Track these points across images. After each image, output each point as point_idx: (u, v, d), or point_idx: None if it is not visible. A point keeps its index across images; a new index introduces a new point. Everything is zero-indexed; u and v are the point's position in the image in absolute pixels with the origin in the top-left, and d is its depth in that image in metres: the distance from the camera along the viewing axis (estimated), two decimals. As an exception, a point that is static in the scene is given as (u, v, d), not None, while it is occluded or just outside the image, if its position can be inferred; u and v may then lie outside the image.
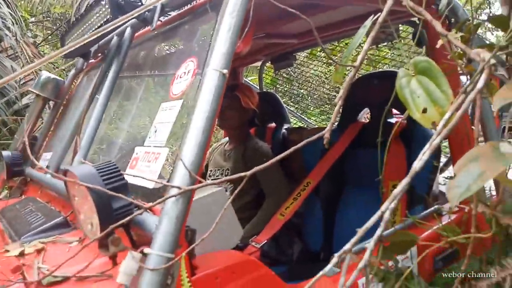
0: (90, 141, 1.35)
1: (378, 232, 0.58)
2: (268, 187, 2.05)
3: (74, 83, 2.18)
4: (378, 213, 0.59)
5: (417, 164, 0.63)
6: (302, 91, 6.34)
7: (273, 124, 2.62)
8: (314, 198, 2.01)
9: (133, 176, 0.87)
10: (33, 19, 7.14)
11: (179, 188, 0.70)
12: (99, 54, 1.95)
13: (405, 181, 0.61)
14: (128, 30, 1.50)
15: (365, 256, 0.57)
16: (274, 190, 2.04)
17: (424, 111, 0.69)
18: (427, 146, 0.65)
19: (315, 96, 6.51)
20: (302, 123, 3.93)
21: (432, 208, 1.33)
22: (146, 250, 0.67)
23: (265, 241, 1.74)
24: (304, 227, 2.12)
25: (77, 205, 0.76)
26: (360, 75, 2.07)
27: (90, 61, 2.09)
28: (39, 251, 0.96)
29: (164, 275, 0.66)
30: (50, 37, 7.58)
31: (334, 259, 0.56)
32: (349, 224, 1.92)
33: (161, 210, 0.76)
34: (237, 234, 0.99)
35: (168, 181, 0.82)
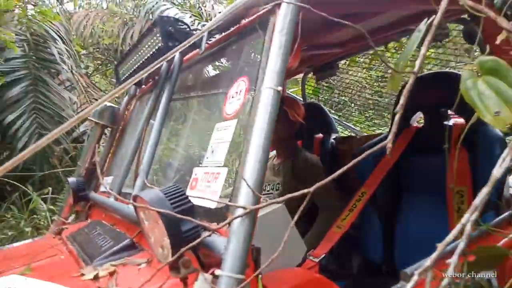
0: (149, 164, 1.41)
1: (461, 246, 0.54)
2: (321, 200, 2.01)
3: (127, 109, 2.30)
4: (458, 226, 0.56)
5: (497, 171, 0.59)
6: (343, 98, 6.24)
7: (320, 135, 2.59)
8: (370, 209, 1.94)
9: (197, 197, 0.89)
10: (84, 51, 7.66)
11: (244, 208, 0.71)
12: (150, 80, 2.06)
13: (485, 190, 0.58)
14: (177, 55, 1.57)
15: (448, 272, 0.53)
16: (327, 202, 2.00)
17: (497, 113, 0.65)
18: (506, 151, 0.60)
19: (357, 103, 6.38)
20: (349, 131, 3.85)
21: (507, 214, 1.23)
22: (217, 272, 0.68)
23: (324, 254, 1.71)
24: (363, 239, 2.05)
25: (147, 229, 0.79)
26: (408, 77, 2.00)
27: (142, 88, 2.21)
28: (111, 274, 1.01)
29: (236, 296, 0.66)
30: (100, 66, 8.11)
31: (415, 277, 0.53)
32: (411, 234, 1.84)
33: (227, 230, 0.77)
34: (300, 251, 0.98)
35: (230, 201, 0.83)
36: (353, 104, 6.34)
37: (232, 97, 1.09)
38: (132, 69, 1.83)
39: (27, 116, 4.05)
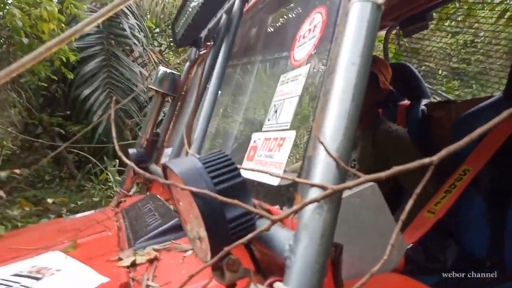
0: (203, 133, 1.20)
1: None
2: (408, 179, 1.66)
3: (189, 76, 2.12)
4: None
5: None
6: (429, 64, 5.55)
7: (405, 102, 2.18)
8: (472, 191, 1.55)
9: (253, 170, 0.64)
10: (157, 29, 7.80)
11: (323, 188, 0.44)
12: (211, 42, 1.84)
13: None
14: (237, 3, 1.31)
15: None
16: (416, 182, 1.64)
17: None
18: None
19: (441, 73, 5.68)
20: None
21: None
22: (278, 285, 0.43)
23: (411, 244, 1.40)
24: (462, 227, 1.67)
25: (182, 212, 0.57)
26: None
27: (202, 52, 2.01)
28: (151, 261, 0.82)
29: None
30: (172, 44, 8.23)
31: None
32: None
33: (296, 221, 0.51)
34: (400, 249, 0.69)
35: (299, 176, 0.57)
36: (440, 71, 5.62)
37: (303, 37, 0.81)
38: (186, 27, 1.62)
39: (101, 90, 4.16)
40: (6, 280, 0.88)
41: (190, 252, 0.85)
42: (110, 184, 3.29)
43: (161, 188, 1.63)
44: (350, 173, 0.47)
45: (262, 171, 0.56)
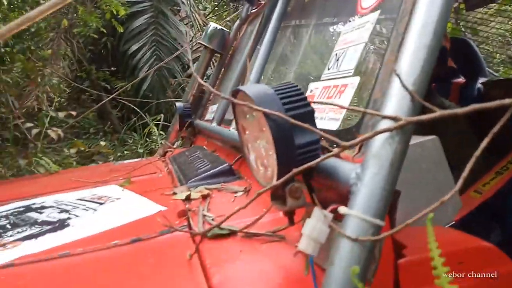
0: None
1: None
2: (457, 158, 1.60)
3: (238, 33, 2.12)
4: None
5: None
6: (487, 47, 5.19)
7: (460, 79, 2.07)
8: (525, 173, 1.49)
9: (320, 103, 0.65)
10: (203, -9, 7.72)
11: (394, 119, 0.44)
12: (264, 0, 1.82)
13: None
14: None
15: None
16: (465, 161, 1.58)
17: None
18: None
19: (496, 58, 5.30)
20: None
21: None
22: (343, 209, 0.44)
23: (453, 222, 1.37)
24: (508, 211, 1.61)
25: (247, 141, 0.59)
26: None
27: (253, 10, 1.99)
28: (204, 197, 0.86)
29: (370, 249, 0.42)
30: (216, 8, 8.17)
31: None
32: None
33: (358, 157, 0.52)
34: (455, 205, 0.69)
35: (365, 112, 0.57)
36: (498, 55, 5.25)
37: (373, -15, 0.79)
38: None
39: (148, 47, 4.24)
40: (72, 203, 0.96)
41: (240, 193, 0.88)
42: (154, 138, 3.42)
43: (206, 141, 1.68)
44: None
45: (330, 103, 0.57)
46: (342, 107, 0.50)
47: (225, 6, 8.09)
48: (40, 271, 0.62)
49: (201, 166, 1.14)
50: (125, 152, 3.39)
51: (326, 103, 0.64)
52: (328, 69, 0.82)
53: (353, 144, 0.44)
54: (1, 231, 0.80)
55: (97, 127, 4.85)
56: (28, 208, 0.97)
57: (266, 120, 0.48)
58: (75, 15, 3.72)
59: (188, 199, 0.86)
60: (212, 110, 1.93)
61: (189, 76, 4.67)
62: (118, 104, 4.81)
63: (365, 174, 0.45)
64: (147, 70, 4.06)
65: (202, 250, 0.61)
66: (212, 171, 1.03)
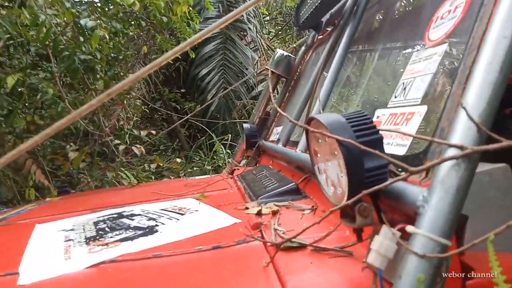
0: (319, 113, 1.28)
1: None
2: None
3: (304, 59, 2.21)
4: None
5: None
6: None
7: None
8: None
9: (389, 131, 0.70)
10: (267, 18, 8.04)
11: (461, 148, 0.48)
12: (330, 28, 1.89)
13: None
14: (366, -13, 1.34)
15: None
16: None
17: None
18: None
19: None
20: None
21: None
22: (410, 228, 0.49)
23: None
24: None
25: (318, 162, 0.66)
26: None
27: (319, 37, 2.08)
28: (274, 213, 0.94)
29: (437, 266, 0.46)
30: (280, 32, 8.42)
31: None
32: None
33: (426, 181, 0.56)
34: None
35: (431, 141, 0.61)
36: None
37: (441, 18, 0.83)
38: (311, 10, 1.70)
39: (216, 71, 4.51)
40: (157, 212, 1.09)
41: (308, 211, 0.95)
42: (220, 156, 3.60)
43: (271, 161, 1.77)
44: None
45: (397, 132, 0.62)
46: (411, 135, 0.54)
47: (288, 30, 8.32)
48: (138, 268, 0.73)
49: (269, 184, 1.22)
50: (195, 168, 3.61)
51: (394, 131, 0.69)
52: (395, 97, 0.87)
53: (421, 170, 0.49)
54: (102, 232, 0.94)
55: (167, 145, 5.21)
56: (120, 215, 1.11)
57: (339, 146, 0.54)
58: (152, 41, 4.11)
59: (259, 213, 0.94)
60: (277, 132, 2.02)
61: (254, 98, 4.86)
62: (186, 124, 5.14)
63: (432, 197, 0.49)
64: (215, 92, 4.32)
65: (276, 259, 0.68)
66: (280, 189, 1.11)
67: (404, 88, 0.84)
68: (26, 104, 2.40)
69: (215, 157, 3.74)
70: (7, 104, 1.98)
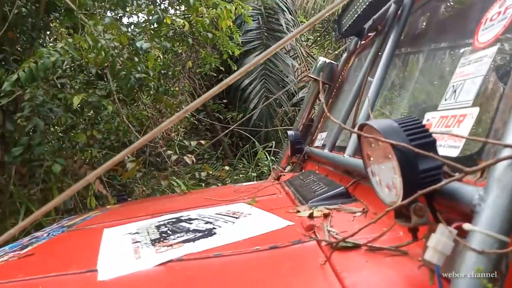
0: (367, 118, 1.29)
1: None
2: None
3: (346, 66, 2.23)
4: None
5: None
6: None
7: None
8: None
9: (441, 133, 0.72)
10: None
11: (516, 148, 0.50)
12: (372, 33, 1.90)
13: None
14: (409, -8, 1.35)
15: None
16: None
17: None
18: None
19: None
20: None
21: None
22: (467, 226, 0.51)
23: None
24: None
25: (372, 166, 0.69)
26: None
27: (362, 42, 2.08)
28: (325, 216, 0.97)
29: (496, 262, 0.48)
30: (318, 39, 8.42)
31: None
32: None
33: (481, 181, 0.58)
34: None
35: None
36: None
37: (490, 20, 0.83)
38: (354, 18, 1.72)
39: (258, 81, 4.61)
40: (212, 216, 1.15)
41: (359, 213, 0.97)
42: (264, 163, 3.68)
43: (317, 166, 1.79)
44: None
45: (451, 134, 0.64)
46: (466, 137, 0.56)
47: (326, 36, 8.30)
48: (201, 266, 0.80)
49: (317, 188, 1.25)
50: (240, 175, 3.71)
51: (447, 134, 0.70)
52: (445, 100, 0.88)
53: (477, 169, 0.51)
54: (165, 235, 1.02)
55: (211, 153, 5.37)
56: (179, 219, 1.19)
57: (393, 150, 0.57)
58: (195, 55, 4.29)
59: (311, 216, 0.98)
60: (322, 137, 2.04)
61: (294, 105, 4.90)
62: (229, 132, 5.28)
63: (489, 196, 0.51)
64: (257, 101, 4.41)
65: (331, 258, 0.71)
66: (330, 193, 1.13)
67: (455, 91, 0.85)
68: (85, 120, 2.61)
69: (259, 164, 3.81)
70: (71, 121, 2.16)
